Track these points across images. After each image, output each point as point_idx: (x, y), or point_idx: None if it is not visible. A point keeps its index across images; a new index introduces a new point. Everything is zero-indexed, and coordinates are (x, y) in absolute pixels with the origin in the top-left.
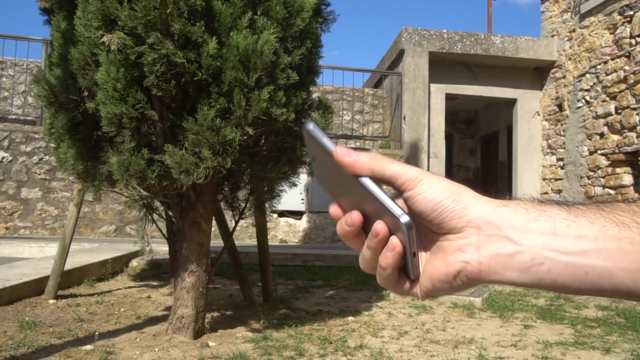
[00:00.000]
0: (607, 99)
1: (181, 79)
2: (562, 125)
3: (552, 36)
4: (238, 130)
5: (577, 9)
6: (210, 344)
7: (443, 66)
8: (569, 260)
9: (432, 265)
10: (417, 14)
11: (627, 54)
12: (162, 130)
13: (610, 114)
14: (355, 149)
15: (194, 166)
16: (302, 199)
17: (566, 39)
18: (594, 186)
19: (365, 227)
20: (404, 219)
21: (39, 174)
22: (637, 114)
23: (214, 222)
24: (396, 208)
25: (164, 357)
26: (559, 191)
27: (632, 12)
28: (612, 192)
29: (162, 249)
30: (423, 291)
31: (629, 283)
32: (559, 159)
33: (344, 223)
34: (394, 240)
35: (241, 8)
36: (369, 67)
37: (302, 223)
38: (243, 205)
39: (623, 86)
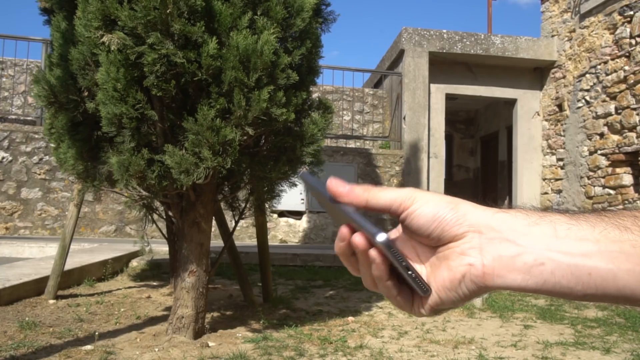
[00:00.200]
0: (607, 99)
1: (181, 79)
2: (562, 125)
3: (552, 36)
4: (238, 130)
5: (577, 9)
6: (210, 344)
7: (443, 66)
8: (571, 261)
9: (435, 275)
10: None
11: (627, 54)
12: (162, 130)
13: (610, 114)
14: (355, 148)
15: (194, 166)
16: (302, 199)
17: (566, 39)
18: (594, 186)
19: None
20: (380, 236)
21: (39, 174)
22: (637, 114)
23: (214, 222)
24: (371, 227)
25: (164, 357)
26: (559, 191)
27: (632, 12)
28: (612, 192)
29: (162, 249)
30: (429, 304)
31: (632, 285)
32: (559, 159)
33: (337, 239)
34: (372, 252)
35: (241, 8)
36: (369, 67)
37: (302, 223)
38: (243, 205)
39: (623, 86)
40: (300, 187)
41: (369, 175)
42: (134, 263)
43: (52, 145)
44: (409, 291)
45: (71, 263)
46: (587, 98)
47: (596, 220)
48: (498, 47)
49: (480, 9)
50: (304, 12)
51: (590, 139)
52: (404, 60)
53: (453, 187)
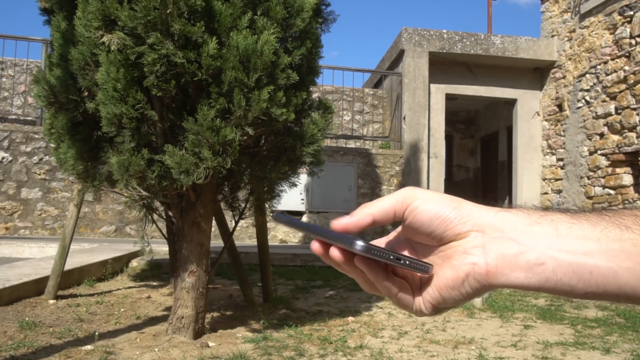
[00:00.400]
0: (607, 99)
1: (181, 79)
2: (562, 125)
3: (552, 36)
4: (238, 130)
5: (577, 9)
6: (210, 344)
7: (443, 66)
8: (572, 259)
9: (438, 274)
10: (417, 14)
11: (627, 54)
12: (162, 130)
13: (610, 114)
14: (355, 148)
15: (194, 166)
16: (302, 199)
17: (566, 39)
18: (594, 186)
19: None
20: (357, 244)
21: (39, 174)
22: (637, 114)
23: (214, 222)
24: (346, 239)
25: (164, 357)
26: (559, 191)
27: (632, 12)
28: (612, 192)
29: (162, 249)
30: (430, 303)
31: (633, 284)
32: (559, 159)
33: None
34: (357, 263)
35: (241, 8)
36: (369, 67)
37: None
38: (243, 205)
39: (623, 86)
40: (300, 187)
41: (369, 175)
42: (134, 263)
43: (52, 145)
44: (410, 288)
45: (71, 263)
46: (587, 98)
47: (597, 220)
48: (498, 47)
49: (480, 9)
50: (304, 12)
51: (590, 139)
52: (404, 60)
53: (453, 187)
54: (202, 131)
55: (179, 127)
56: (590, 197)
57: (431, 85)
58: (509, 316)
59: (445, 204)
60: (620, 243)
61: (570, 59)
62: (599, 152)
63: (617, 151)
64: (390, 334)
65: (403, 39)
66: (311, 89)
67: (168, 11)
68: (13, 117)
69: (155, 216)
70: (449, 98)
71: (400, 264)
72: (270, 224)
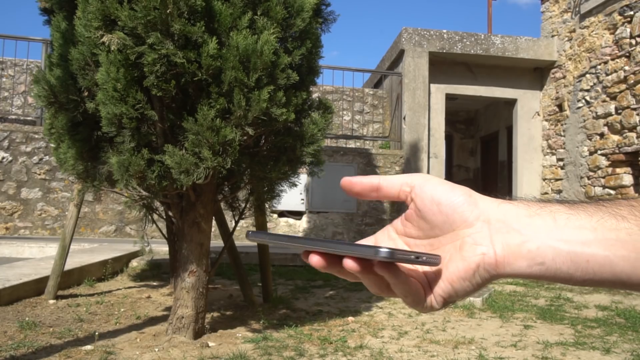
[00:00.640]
0: (607, 99)
1: (181, 79)
2: (562, 125)
3: (552, 36)
4: (238, 130)
5: (577, 9)
6: (210, 344)
7: (443, 66)
8: (571, 249)
9: (448, 267)
10: (417, 14)
11: (627, 54)
12: (162, 130)
13: (610, 114)
14: (355, 148)
15: (194, 166)
16: (302, 199)
17: (566, 39)
18: (594, 186)
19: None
20: (382, 251)
21: (39, 174)
22: (637, 114)
23: (214, 222)
24: (365, 249)
25: (164, 357)
26: (559, 191)
27: (632, 12)
28: (612, 192)
29: (162, 249)
30: (442, 297)
31: (628, 271)
32: (559, 159)
33: (318, 268)
34: (380, 270)
35: (241, 8)
36: (369, 67)
37: (302, 223)
38: (243, 205)
39: (623, 86)
40: (300, 187)
41: (369, 175)
42: (134, 263)
43: (52, 145)
44: (419, 285)
45: (71, 263)
46: (587, 98)
47: (594, 210)
48: (498, 47)
49: (480, 9)
50: (304, 12)
51: (590, 139)
52: (404, 60)
53: None
54: (202, 131)
55: (179, 127)
56: (590, 197)
57: (431, 85)
58: (509, 316)
59: (456, 189)
60: (615, 232)
61: (570, 59)
62: (599, 152)
63: (617, 151)
64: (390, 334)
65: (403, 39)
66: (311, 89)
67: (168, 11)
68: (13, 117)
69: (155, 216)
70: (449, 98)
71: (419, 261)
72: (270, 224)
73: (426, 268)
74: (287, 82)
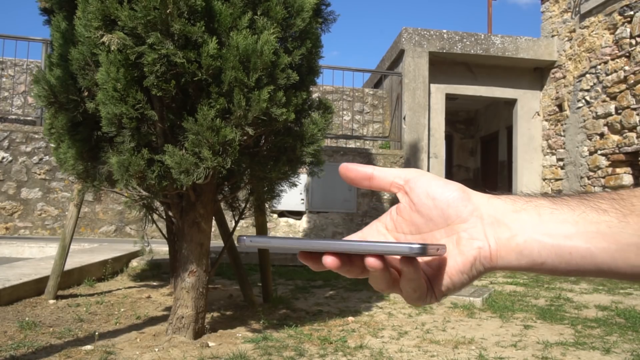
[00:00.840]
0: (607, 99)
1: (181, 79)
2: (562, 125)
3: (552, 36)
4: (238, 130)
5: (577, 9)
6: (210, 344)
7: (443, 66)
8: (554, 242)
9: (447, 261)
10: (417, 14)
11: (627, 54)
12: (162, 130)
13: (610, 114)
14: (355, 148)
15: (194, 166)
16: (302, 199)
17: (566, 39)
18: (594, 186)
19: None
20: (414, 247)
21: (39, 174)
22: (637, 114)
23: (214, 222)
24: (397, 246)
25: (164, 357)
26: (559, 191)
27: (632, 12)
28: None
29: (162, 249)
30: (441, 289)
31: (609, 262)
32: (559, 159)
33: (333, 269)
34: (408, 268)
35: (241, 8)
36: (369, 67)
37: (302, 223)
38: (243, 205)
39: (623, 86)
40: (300, 187)
41: None
42: (134, 263)
43: (52, 145)
44: (425, 279)
45: (71, 263)
46: (587, 98)
47: (576, 204)
48: (498, 47)
49: (480, 9)
50: (304, 12)
51: (590, 139)
52: (404, 61)
53: None
54: (202, 131)
55: (179, 127)
56: None
57: (431, 85)
58: (509, 316)
59: (450, 184)
60: (596, 225)
61: (570, 59)
62: (599, 152)
63: (617, 151)
64: (390, 334)
65: (403, 39)
66: (311, 89)
67: (168, 11)
68: (13, 117)
69: (155, 216)
70: (449, 98)
71: (438, 253)
72: (270, 224)
73: (428, 258)
74: (287, 82)
